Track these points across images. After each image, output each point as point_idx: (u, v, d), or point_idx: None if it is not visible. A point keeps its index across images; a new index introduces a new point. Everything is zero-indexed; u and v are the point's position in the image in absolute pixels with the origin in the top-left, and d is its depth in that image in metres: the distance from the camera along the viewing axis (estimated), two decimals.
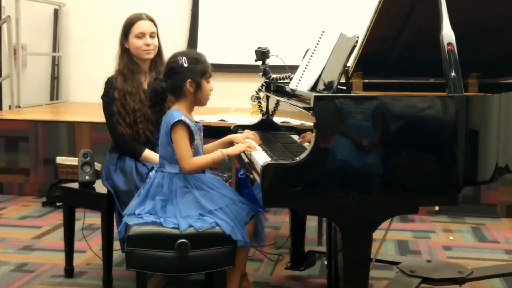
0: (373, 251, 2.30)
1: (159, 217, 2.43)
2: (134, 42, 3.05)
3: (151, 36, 3.08)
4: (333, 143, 2.05)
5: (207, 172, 2.64)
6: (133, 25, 3.06)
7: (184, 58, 2.51)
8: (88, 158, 3.15)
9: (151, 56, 3.08)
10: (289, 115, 2.72)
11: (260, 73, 3.09)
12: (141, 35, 3.05)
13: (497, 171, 2.25)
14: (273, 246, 3.67)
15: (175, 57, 2.54)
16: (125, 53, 3.08)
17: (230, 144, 2.69)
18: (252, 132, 2.80)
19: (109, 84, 3.08)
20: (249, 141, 2.62)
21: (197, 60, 2.54)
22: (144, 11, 3.17)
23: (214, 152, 2.56)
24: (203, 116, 3.59)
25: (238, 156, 2.78)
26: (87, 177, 3.13)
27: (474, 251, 3.69)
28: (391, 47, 2.76)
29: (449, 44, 2.16)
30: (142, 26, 3.06)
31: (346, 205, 2.09)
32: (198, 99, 2.56)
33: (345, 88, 2.36)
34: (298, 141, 2.50)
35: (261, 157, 2.38)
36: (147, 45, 3.06)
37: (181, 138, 2.48)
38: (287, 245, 3.38)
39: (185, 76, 2.51)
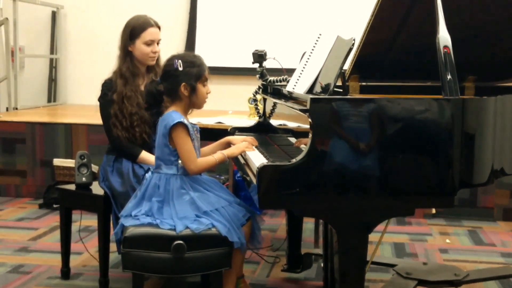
0: (369, 254, 2.31)
1: (155, 219, 2.44)
2: (143, 48, 3.04)
3: (158, 43, 3.08)
4: (329, 145, 2.06)
5: (204, 174, 2.65)
6: (144, 31, 3.04)
7: (179, 61, 2.51)
8: (85, 159, 3.15)
9: (154, 62, 3.09)
10: (286, 118, 2.72)
11: (257, 76, 3.10)
12: (150, 42, 3.05)
13: (492, 173, 2.26)
14: (269, 248, 3.67)
15: (171, 60, 2.55)
16: (128, 55, 3.07)
17: (228, 145, 2.71)
18: (251, 137, 2.80)
19: (106, 87, 3.08)
20: (247, 140, 2.64)
21: (192, 64, 2.54)
22: (142, 13, 3.16)
23: (216, 154, 2.58)
24: (200, 118, 3.60)
25: (235, 159, 2.79)
26: (83, 179, 3.13)
27: (471, 254, 3.69)
28: (388, 50, 2.77)
29: (445, 47, 2.17)
30: (153, 33, 3.06)
31: (342, 207, 2.09)
32: (193, 102, 2.57)
33: (341, 90, 2.37)
34: (295, 144, 2.50)
35: (257, 159, 2.39)
36: (154, 52, 3.07)
37: (184, 140, 2.49)
38: (283, 248, 3.39)
39: (180, 80, 2.52)
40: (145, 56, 3.06)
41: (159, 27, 3.11)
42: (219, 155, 2.57)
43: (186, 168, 2.51)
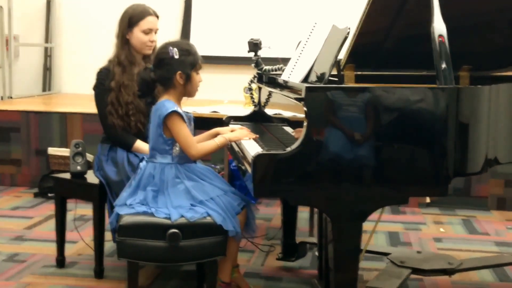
0: (364, 242, 2.32)
1: (150, 207, 2.44)
2: (140, 37, 3.04)
3: (155, 33, 3.08)
4: (324, 134, 2.06)
5: (199, 163, 2.65)
6: (142, 19, 3.03)
7: (175, 49, 2.50)
8: (80, 148, 3.14)
9: (151, 51, 3.08)
10: (281, 107, 2.73)
11: (253, 65, 3.09)
12: (148, 31, 3.04)
13: (486, 162, 2.27)
14: (264, 237, 3.68)
15: (165, 47, 2.53)
16: (126, 43, 3.06)
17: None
18: (241, 126, 2.79)
19: (101, 75, 3.07)
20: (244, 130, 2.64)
21: (188, 52, 2.53)
22: (137, 1, 3.15)
23: (217, 137, 2.57)
24: (195, 107, 3.59)
25: (230, 148, 2.79)
26: (78, 168, 3.12)
27: (464, 243, 3.71)
28: (384, 39, 2.77)
29: (440, 36, 2.18)
30: (151, 22, 3.06)
31: (336, 196, 2.10)
32: (187, 90, 2.56)
33: (337, 79, 2.37)
34: (293, 134, 2.50)
35: (252, 148, 2.39)
36: (152, 41, 3.06)
37: (180, 127, 2.48)
38: (278, 236, 3.39)
39: (175, 68, 2.50)
40: (142, 44, 3.05)
41: (157, 17, 3.11)
42: (220, 139, 2.56)
43: (186, 153, 2.50)
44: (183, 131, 2.49)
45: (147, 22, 3.04)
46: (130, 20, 3.04)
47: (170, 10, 5.81)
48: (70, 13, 6.14)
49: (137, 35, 3.04)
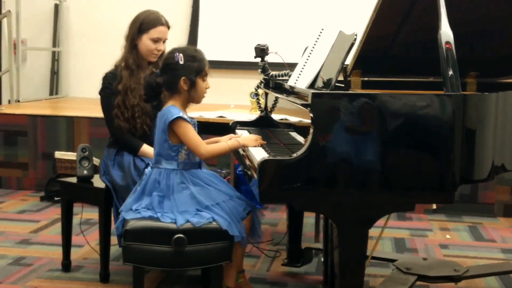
0: (370, 248, 2.31)
1: (156, 212, 2.44)
2: (148, 44, 3.05)
3: (163, 42, 3.09)
4: (330, 140, 2.06)
5: (204, 168, 2.65)
6: (153, 28, 3.04)
7: (180, 55, 2.51)
8: (87, 152, 3.15)
9: (156, 59, 3.09)
10: (287, 112, 2.73)
11: (259, 70, 3.10)
12: (157, 40, 3.06)
13: (493, 169, 2.26)
14: (270, 243, 3.68)
15: (172, 52, 2.54)
16: (134, 48, 3.07)
17: None
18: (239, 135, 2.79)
19: (107, 79, 3.08)
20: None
21: (193, 58, 2.54)
22: (145, 7, 3.17)
23: (230, 140, 2.57)
24: (202, 112, 3.60)
25: (236, 153, 2.79)
26: (85, 172, 3.13)
27: (471, 250, 3.70)
28: (390, 45, 2.77)
29: (447, 42, 2.17)
30: (161, 32, 3.07)
31: (342, 202, 2.10)
32: (192, 96, 2.56)
33: (343, 85, 2.37)
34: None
35: (258, 153, 2.39)
36: (158, 50, 3.07)
37: (186, 129, 2.49)
38: (284, 242, 3.39)
39: (179, 73, 2.51)
40: (149, 52, 3.06)
41: (168, 27, 3.12)
42: (233, 142, 2.55)
43: (196, 154, 2.50)
44: (190, 133, 2.49)
45: (158, 31, 3.06)
46: (141, 26, 3.05)
47: (178, 15, 5.83)
48: (78, 17, 6.17)
49: (145, 42, 3.05)
